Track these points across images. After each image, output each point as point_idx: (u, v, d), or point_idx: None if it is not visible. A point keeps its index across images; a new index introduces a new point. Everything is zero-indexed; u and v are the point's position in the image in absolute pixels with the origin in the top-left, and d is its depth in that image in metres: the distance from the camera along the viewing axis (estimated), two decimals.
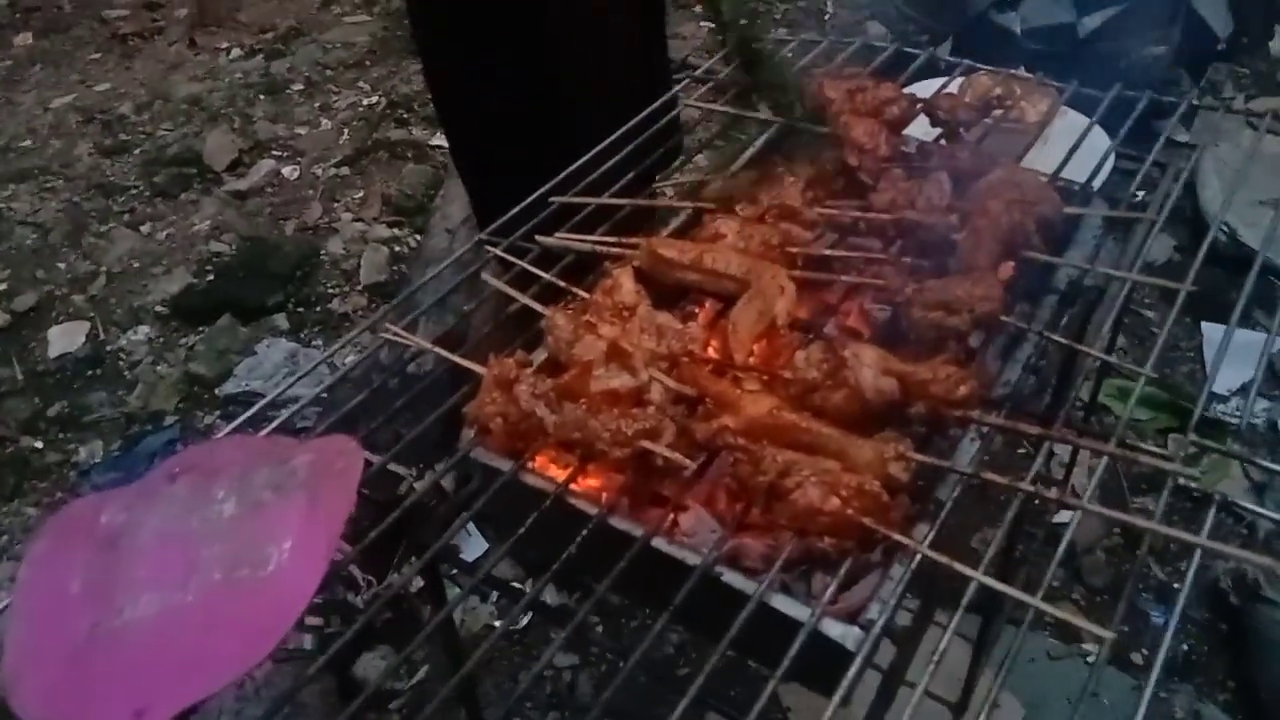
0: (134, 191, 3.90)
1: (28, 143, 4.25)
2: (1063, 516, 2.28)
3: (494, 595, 2.37)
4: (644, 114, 1.61)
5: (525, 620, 2.31)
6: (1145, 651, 2.19)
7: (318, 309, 3.28)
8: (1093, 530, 2.39)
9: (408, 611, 2.29)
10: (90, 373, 3.13)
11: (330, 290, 3.35)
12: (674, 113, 1.68)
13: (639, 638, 2.28)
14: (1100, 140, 1.54)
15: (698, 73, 1.84)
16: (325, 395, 1.36)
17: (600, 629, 2.32)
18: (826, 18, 4.51)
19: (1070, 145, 1.49)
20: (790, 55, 1.68)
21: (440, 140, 3.96)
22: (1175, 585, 2.34)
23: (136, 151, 4.12)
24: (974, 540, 2.02)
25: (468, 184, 2.28)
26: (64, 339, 3.24)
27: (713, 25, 1.53)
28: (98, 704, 0.83)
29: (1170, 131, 1.55)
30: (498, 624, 2.33)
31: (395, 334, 1.20)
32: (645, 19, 2.06)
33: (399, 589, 1.05)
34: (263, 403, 1.25)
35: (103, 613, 0.91)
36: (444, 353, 1.16)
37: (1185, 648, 2.21)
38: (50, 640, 0.90)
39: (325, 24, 4.97)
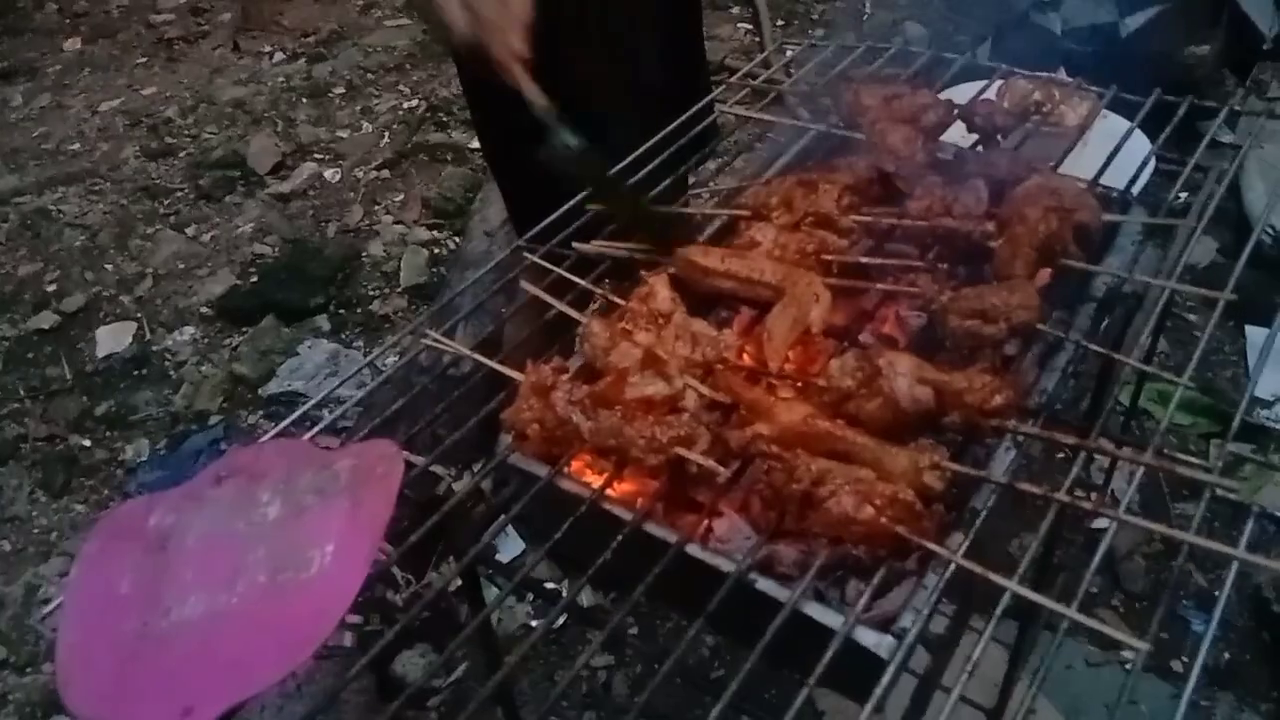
0: (179, 194, 3.97)
1: (76, 146, 4.34)
2: (1102, 522, 2.26)
3: (530, 595, 2.39)
4: (681, 119, 1.62)
5: (561, 620, 2.33)
6: (1185, 659, 2.16)
7: (358, 310, 3.32)
8: (1132, 536, 2.36)
9: (445, 610, 2.32)
10: (137, 372, 3.19)
11: (371, 292, 3.39)
12: (711, 118, 1.69)
13: (674, 639, 2.29)
14: (1140, 143, 1.53)
15: (734, 78, 1.84)
16: (366, 397, 1.39)
17: (635, 630, 2.33)
18: (864, 18, 4.49)
19: (1109, 149, 1.48)
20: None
21: (478, 144, 4.00)
22: (1216, 593, 2.31)
23: (182, 155, 4.20)
24: (1013, 545, 2.01)
25: (503, 187, 2.29)
26: (111, 339, 3.31)
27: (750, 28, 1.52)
28: (147, 703, 0.85)
29: (1213, 134, 1.54)
30: (534, 624, 2.35)
31: (435, 340, 1.22)
32: (675, 21, 2.05)
33: (439, 591, 1.06)
34: (307, 405, 1.28)
35: (151, 613, 0.94)
36: (482, 359, 1.18)
37: (1227, 656, 2.18)
38: (101, 640, 0.93)
39: (366, 28, 5.03)
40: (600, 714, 2.19)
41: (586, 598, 2.27)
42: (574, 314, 1.23)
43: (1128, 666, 2.15)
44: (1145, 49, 3.27)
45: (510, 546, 2.38)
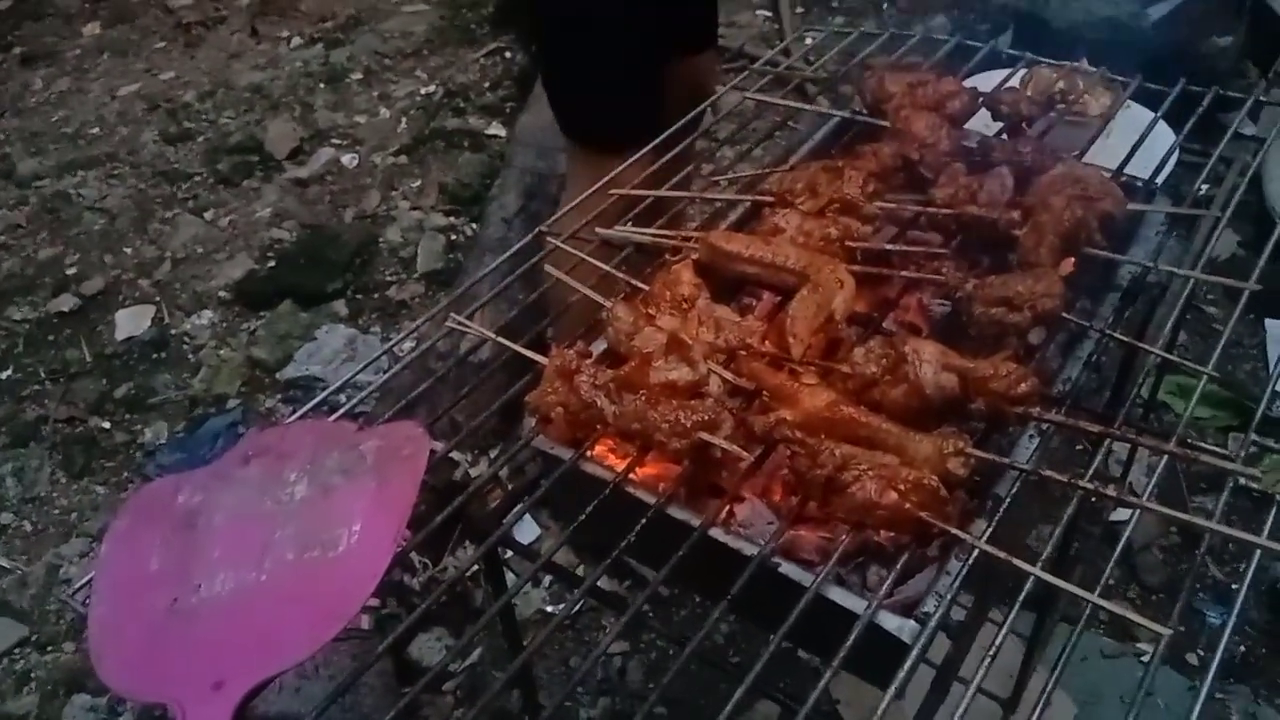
0: (198, 178, 3.98)
1: (96, 130, 4.35)
2: (1120, 514, 2.26)
3: (546, 580, 2.40)
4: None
5: (578, 606, 2.33)
6: (1201, 652, 2.16)
7: (375, 296, 3.33)
8: (1150, 529, 2.36)
9: (461, 594, 2.33)
10: (156, 356, 3.21)
11: (388, 278, 3.40)
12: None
13: (691, 626, 2.30)
14: (1164, 134, 1.53)
15: (756, 65, 1.84)
16: (386, 382, 1.39)
17: (652, 616, 2.34)
18: (885, 6, 4.47)
19: (1134, 139, 1.47)
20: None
21: (495, 130, 3.99)
22: (1234, 586, 2.31)
23: (200, 139, 4.21)
24: (1029, 538, 2.01)
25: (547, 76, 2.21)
26: (130, 322, 3.33)
27: (769, 15, 1.53)
28: (178, 677, 0.86)
29: (1237, 126, 1.53)
30: (550, 608, 2.36)
31: (459, 323, 1.23)
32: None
33: (460, 576, 1.07)
34: (326, 391, 1.28)
35: (181, 590, 0.95)
36: (507, 343, 1.19)
37: (1243, 649, 2.18)
38: (132, 615, 0.94)
39: (384, 13, 5.02)
40: (615, 700, 2.20)
41: (604, 583, 2.27)
42: (599, 299, 1.23)
43: (1144, 658, 2.15)
44: (1167, 40, 3.25)
45: (527, 530, 2.39)
